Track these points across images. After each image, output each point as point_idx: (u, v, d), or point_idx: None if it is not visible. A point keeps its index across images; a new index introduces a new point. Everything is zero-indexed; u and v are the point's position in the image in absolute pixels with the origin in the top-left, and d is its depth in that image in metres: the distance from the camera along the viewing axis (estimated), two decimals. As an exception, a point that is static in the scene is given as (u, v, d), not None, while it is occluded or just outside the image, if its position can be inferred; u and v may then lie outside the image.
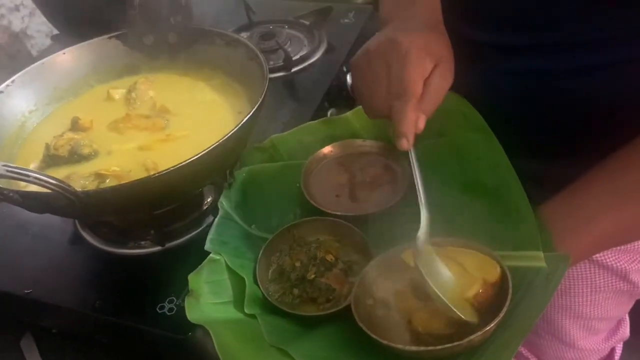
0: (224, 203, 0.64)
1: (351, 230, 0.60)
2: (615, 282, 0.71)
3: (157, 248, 0.69)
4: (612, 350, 0.88)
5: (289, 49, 1.01)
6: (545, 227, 0.53)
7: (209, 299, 0.55)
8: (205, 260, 0.58)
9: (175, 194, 0.63)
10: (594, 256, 0.69)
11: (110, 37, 0.79)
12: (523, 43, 0.60)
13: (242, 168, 0.68)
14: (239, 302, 0.55)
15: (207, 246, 0.59)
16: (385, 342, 0.47)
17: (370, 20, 1.14)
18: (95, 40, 0.79)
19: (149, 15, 0.78)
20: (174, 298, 0.63)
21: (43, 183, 0.48)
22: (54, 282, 0.67)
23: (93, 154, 0.69)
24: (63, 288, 0.67)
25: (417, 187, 0.55)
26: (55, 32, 1.10)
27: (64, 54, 0.77)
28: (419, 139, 0.57)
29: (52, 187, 0.49)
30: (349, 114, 0.74)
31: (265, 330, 0.52)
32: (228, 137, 0.57)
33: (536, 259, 0.50)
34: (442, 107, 0.58)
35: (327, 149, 0.70)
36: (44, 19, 1.16)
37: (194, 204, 0.73)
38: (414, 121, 0.55)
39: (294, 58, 0.99)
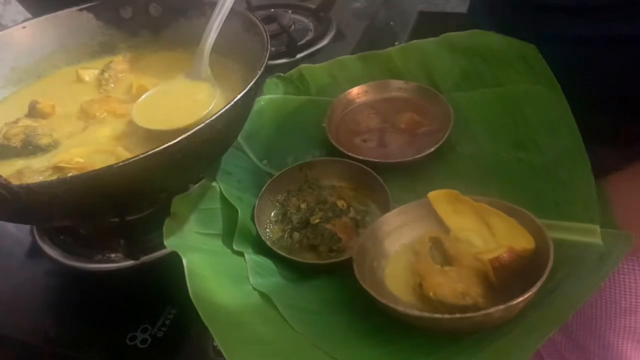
0: None
1: (372, 178, 0.54)
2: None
3: (130, 262, 0.56)
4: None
5: (293, 34, 0.89)
6: (608, 202, 0.47)
7: (194, 227, 0.50)
8: (197, 184, 0.53)
9: (151, 193, 0.50)
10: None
11: (80, 10, 0.67)
12: (592, 3, 0.52)
13: (261, 96, 0.62)
14: (228, 236, 0.50)
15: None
16: (383, 301, 0.41)
17: (382, 6, 1.02)
18: (63, 12, 0.67)
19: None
20: (149, 326, 0.50)
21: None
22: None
23: (53, 144, 0.57)
24: (8, 312, 0.54)
25: None
26: (29, 16, 0.98)
27: (24, 27, 0.65)
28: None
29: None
30: (392, 49, 0.66)
31: (251, 271, 0.47)
32: (217, 117, 0.45)
33: (589, 234, 0.44)
34: (501, 53, 0.55)
35: (360, 89, 0.64)
36: (20, 7, 1.06)
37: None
38: None
39: (298, 43, 0.87)
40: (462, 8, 1.06)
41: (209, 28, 0.57)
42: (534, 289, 0.39)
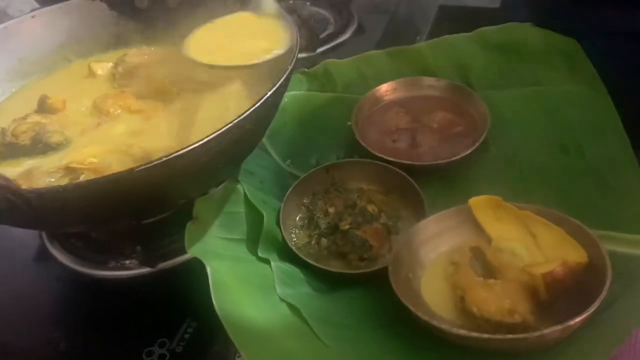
0: None
1: (405, 181, 0.51)
2: None
3: (146, 270, 0.52)
4: None
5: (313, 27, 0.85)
6: None
7: (217, 232, 0.47)
8: (221, 186, 0.50)
9: (170, 198, 0.46)
10: None
11: (93, -1, 0.63)
12: None
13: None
14: (252, 242, 0.48)
15: None
16: (425, 317, 0.38)
17: (404, -1, 0.99)
18: (74, 1, 0.63)
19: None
20: (167, 340, 0.46)
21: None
22: (4, 314, 0.51)
23: (64, 142, 0.53)
24: (16, 322, 0.50)
25: None
26: (36, 7, 0.94)
27: (33, 17, 0.62)
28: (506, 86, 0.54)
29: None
30: (422, 45, 0.65)
31: (278, 280, 0.44)
32: (246, 117, 0.41)
33: None
34: (539, 49, 0.54)
35: (389, 86, 0.62)
36: (26, -4, 1.03)
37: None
38: None
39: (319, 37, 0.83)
40: (484, 2, 1.02)
41: None
42: (592, 308, 0.35)
